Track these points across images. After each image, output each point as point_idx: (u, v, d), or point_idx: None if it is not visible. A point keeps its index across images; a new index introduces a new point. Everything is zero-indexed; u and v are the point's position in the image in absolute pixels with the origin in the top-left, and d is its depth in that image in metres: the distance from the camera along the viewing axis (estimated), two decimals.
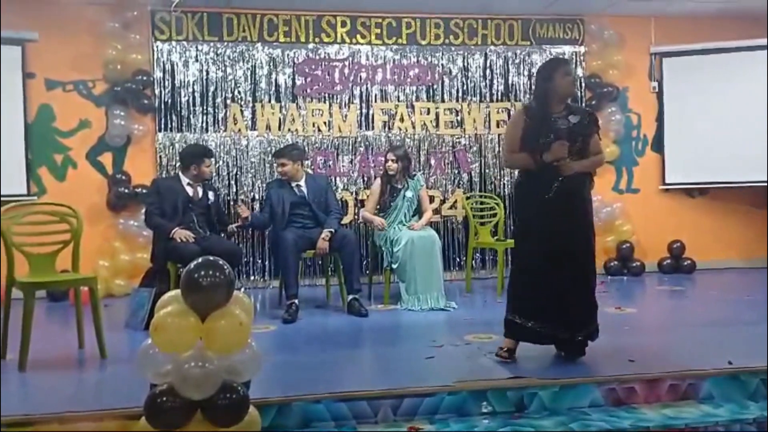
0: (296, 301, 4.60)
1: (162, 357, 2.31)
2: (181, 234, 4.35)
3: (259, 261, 6.12)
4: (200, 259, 2.40)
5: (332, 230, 4.81)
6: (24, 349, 3.31)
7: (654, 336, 4.08)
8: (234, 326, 2.33)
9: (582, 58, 6.63)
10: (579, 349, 3.33)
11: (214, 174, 5.98)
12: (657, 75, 6.79)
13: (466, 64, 6.48)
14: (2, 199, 5.35)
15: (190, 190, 4.64)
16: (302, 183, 5.02)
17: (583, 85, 6.63)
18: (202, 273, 2.34)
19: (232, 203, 6.02)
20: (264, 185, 6.03)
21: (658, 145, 6.80)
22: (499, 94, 6.54)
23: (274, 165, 5.16)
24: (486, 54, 6.50)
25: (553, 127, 3.26)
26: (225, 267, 2.39)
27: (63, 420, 2.60)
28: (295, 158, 4.97)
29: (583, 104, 6.59)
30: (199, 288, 2.32)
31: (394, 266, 4.96)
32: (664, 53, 6.75)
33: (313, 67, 6.25)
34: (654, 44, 6.73)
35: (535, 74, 3.67)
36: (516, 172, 3.67)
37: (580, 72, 6.61)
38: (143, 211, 4.75)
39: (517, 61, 6.54)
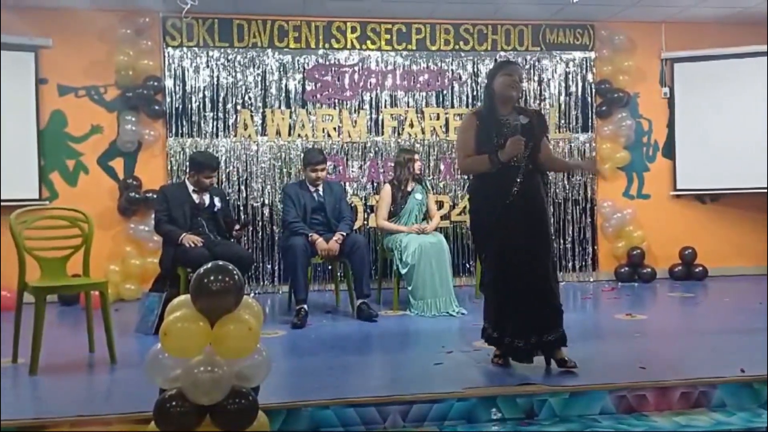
0: (305, 306, 4.61)
1: (171, 362, 2.31)
2: (190, 239, 4.37)
3: (269, 266, 6.13)
4: (210, 264, 2.40)
5: (344, 234, 4.83)
6: (35, 353, 3.33)
7: (665, 343, 4.04)
8: (243, 331, 2.33)
9: (592, 63, 6.61)
10: (537, 350, 3.25)
11: (224, 180, 6.03)
12: (668, 81, 6.75)
13: (476, 69, 6.49)
14: (15, 203, 5.44)
15: (195, 197, 4.65)
16: (320, 188, 5.05)
17: (594, 90, 6.61)
18: (212, 278, 2.34)
19: (241, 208, 6.06)
20: (273, 190, 6.05)
21: (669, 151, 6.76)
22: None
23: (312, 171, 4.98)
24: (496, 59, 6.49)
25: (504, 126, 3.25)
26: (234, 272, 2.39)
27: (73, 424, 2.61)
28: (326, 163, 5.12)
29: (593, 110, 6.59)
30: (209, 293, 2.32)
31: (403, 271, 4.95)
32: (675, 59, 6.72)
33: (323, 72, 6.27)
34: (665, 50, 6.70)
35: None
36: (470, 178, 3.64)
37: (590, 77, 6.60)
38: (153, 218, 4.75)
39: (527, 66, 6.53)
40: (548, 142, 3.42)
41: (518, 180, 3.21)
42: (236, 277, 2.39)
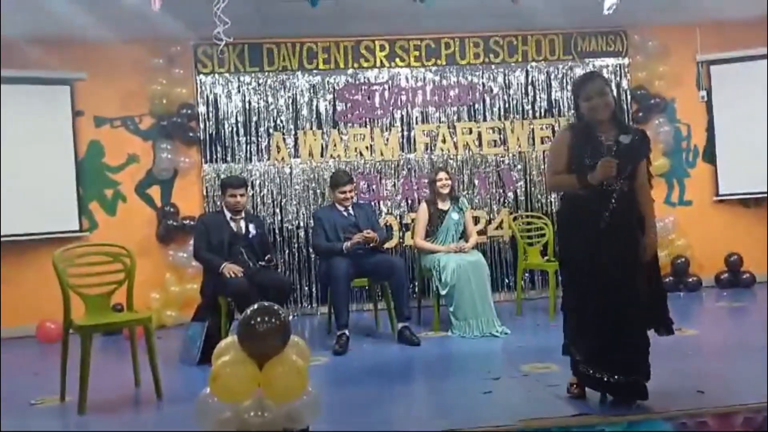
0: (347, 331, 4.56)
1: (221, 405, 2.30)
2: (230, 269, 4.36)
3: (307, 288, 6.12)
4: (255, 306, 2.38)
5: (378, 238, 4.87)
6: (83, 393, 3.34)
7: (721, 361, 3.90)
8: (292, 373, 2.31)
9: (626, 69, 6.49)
10: (637, 392, 2.99)
11: (260, 203, 6.04)
12: (705, 83, 6.59)
13: (507, 81, 6.41)
14: (56, 235, 5.53)
15: (233, 225, 4.65)
16: (350, 207, 5.04)
17: (629, 97, 6.49)
18: (258, 320, 2.32)
19: (276, 231, 6.05)
20: (308, 212, 6.05)
21: (710, 155, 6.59)
22: (542, 110, 6.44)
23: (340, 193, 4.96)
24: (527, 70, 6.42)
25: (599, 146, 3.00)
26: (280, 312, 2.37)
27: None
28: (354, 183, 5.12)
29: (630, 117, 6.45)
30: (256, 335, 2.30)
31: (443, 292, 4.88)
32: (711, 61, 6.56)
33: (354, 92, 6.25)
34: (700, 52, 6.54)
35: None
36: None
37: (625, 84, 6.48)
38: (191, 245, 4.77)
39: (559, 75, 6.44)
40: (646, 170, 3.10)
41: (612, 204, 2.96)
42: (282, 317, 2.36)
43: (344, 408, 3.24)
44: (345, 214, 5.02)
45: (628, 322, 2.97)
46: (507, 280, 6.29)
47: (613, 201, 2.98)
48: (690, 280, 6.29)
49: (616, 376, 2.97)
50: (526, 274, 6.17)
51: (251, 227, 4.71)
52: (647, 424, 2.80)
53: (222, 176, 5.73)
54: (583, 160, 3.02)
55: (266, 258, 4.67)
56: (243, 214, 4.71)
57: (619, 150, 2.99)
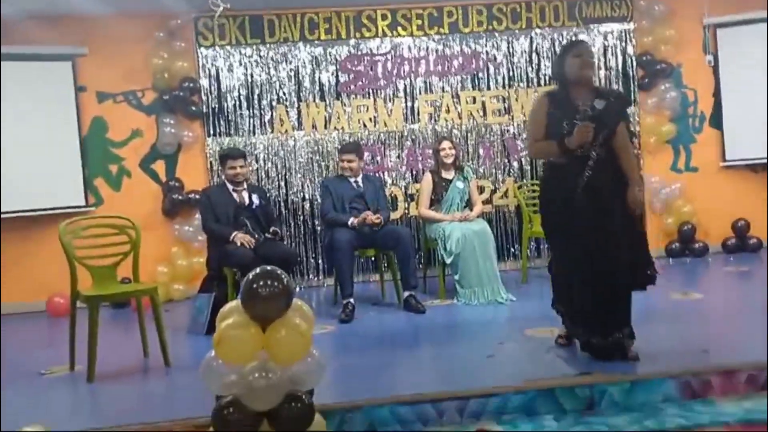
0: (352, 300, 4.59)
1: (226, 368, 2.32)
2: (241, 238, 4.38)
3: (313, 260, 6.14)
4: (258, 270, 2.39)
5: (383, 219, 4.84)
6: (91, 362, 3.38)
7: (726, 323, 3.91)
8: (295, 335, 2.32)
9: (632, 35, 6.40)
10: (615, 350, 3.09)
11: (264, 176, 6.04)
12: (712, 48, 6.50)
13: (511, 49, 6.34)
14: (62, 210, 5.55)
15: (236, 196, 4.66)
16: (359, 179, 5.03)
17: (635, 63, 6.41)
18: (261, 283, 2.33)
19: (281, 204, 6.07)
20: (312, 184, 6.05)
21: (717, 120, 6.52)
22: (547, 78, 6.37)
23: (340, 161, 5.09)
24: (531, 38, 6.34)
25: (575, 111, 3.07)
26: (283, 276, 2.37)
27: None
28: (360, 155, 5.09)
29: (635, 83, 6.39)
30: (259, 298, 2.31)
31: (448, 261, 4.88)
32: (718, 24, 6.45)
33: (356, 62, 6.21)
34: (707, 15, 6.44)
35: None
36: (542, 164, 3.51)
37: (630, 50, 6.39)
38: (198, 219, 4.78)
39: (564, 42, 6.35)
40: (626, 131, 3.16)
41: (586, 172, 3.03)
42: (285, 281, 2.37)
43: (351, 373, 3.27)
44: (354, 185, 5.02)
45: (606, 284, 3.04)
46: (513, 249, 6.28)
47: (589, 167, 3.04)
48: (696, 246, 6.26)
49: (596, 337, 3.09)
50: (532, 243, 6.17)
51: (254, 197, 4.72)
52: (651, 383, 2.81)
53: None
54: (561, 126, 3.07)
55: (271, 230, 4.68)
56: (245, 185, 4.72)
57: (593, 115, 3.04)
